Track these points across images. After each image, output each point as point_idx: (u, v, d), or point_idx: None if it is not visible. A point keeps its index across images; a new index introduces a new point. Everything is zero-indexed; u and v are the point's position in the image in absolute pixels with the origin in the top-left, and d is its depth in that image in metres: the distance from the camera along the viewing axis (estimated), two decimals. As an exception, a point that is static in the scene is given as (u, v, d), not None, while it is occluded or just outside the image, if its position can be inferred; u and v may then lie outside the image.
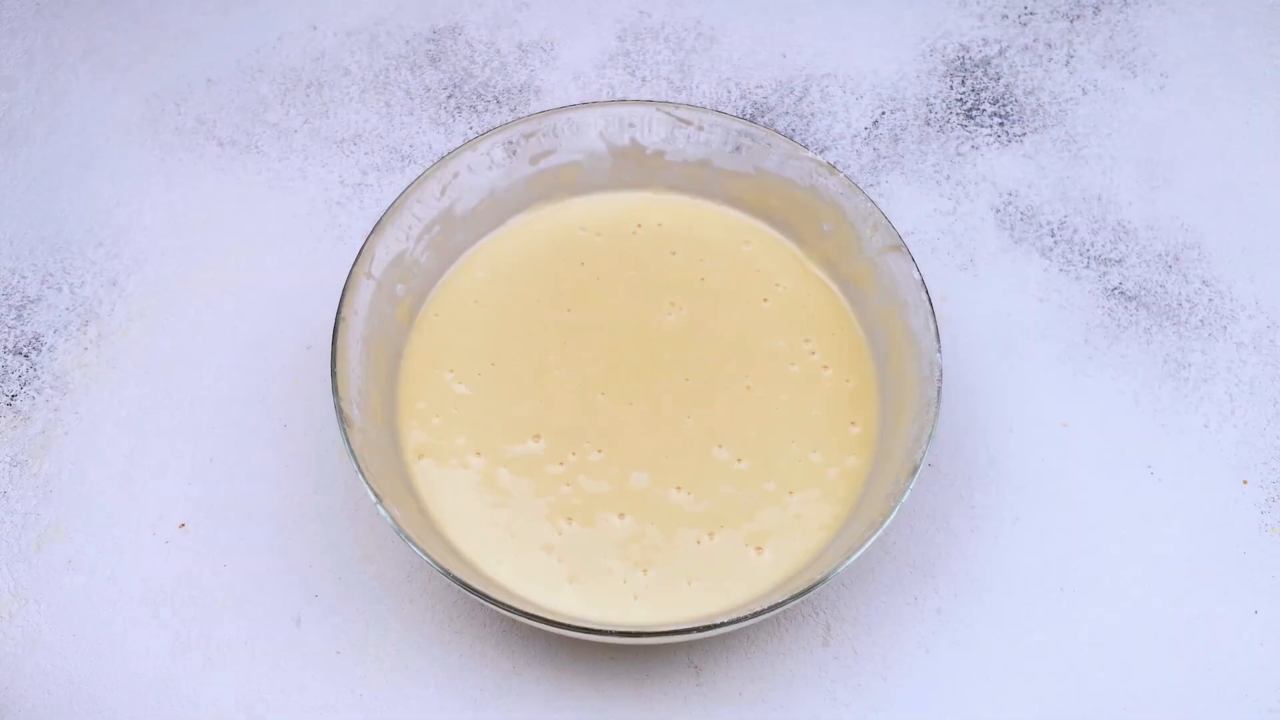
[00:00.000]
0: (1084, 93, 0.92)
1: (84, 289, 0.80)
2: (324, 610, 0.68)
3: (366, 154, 0.87)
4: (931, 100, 0.91)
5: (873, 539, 0.59)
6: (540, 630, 0.66)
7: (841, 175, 0.71)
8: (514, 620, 0.58)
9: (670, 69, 0.93)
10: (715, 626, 0.58)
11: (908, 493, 0.60)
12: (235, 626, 0.68)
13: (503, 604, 0.58)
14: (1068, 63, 0.94)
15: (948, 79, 0.93)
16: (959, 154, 0.88)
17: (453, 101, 0.90)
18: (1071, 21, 0.97)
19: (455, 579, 0.58)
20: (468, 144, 0.73)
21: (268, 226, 0.84)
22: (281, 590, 0.69)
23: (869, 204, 0.70)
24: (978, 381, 0.77)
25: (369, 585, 0.69)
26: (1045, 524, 0.72)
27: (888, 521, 0.59)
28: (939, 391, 0.63)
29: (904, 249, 0.68)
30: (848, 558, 0.59)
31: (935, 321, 0.65)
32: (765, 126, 0.73)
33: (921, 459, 0.60)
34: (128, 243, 0.83)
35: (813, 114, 0.90)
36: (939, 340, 0.64)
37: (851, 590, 0.70)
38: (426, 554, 0.59)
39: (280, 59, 0.93)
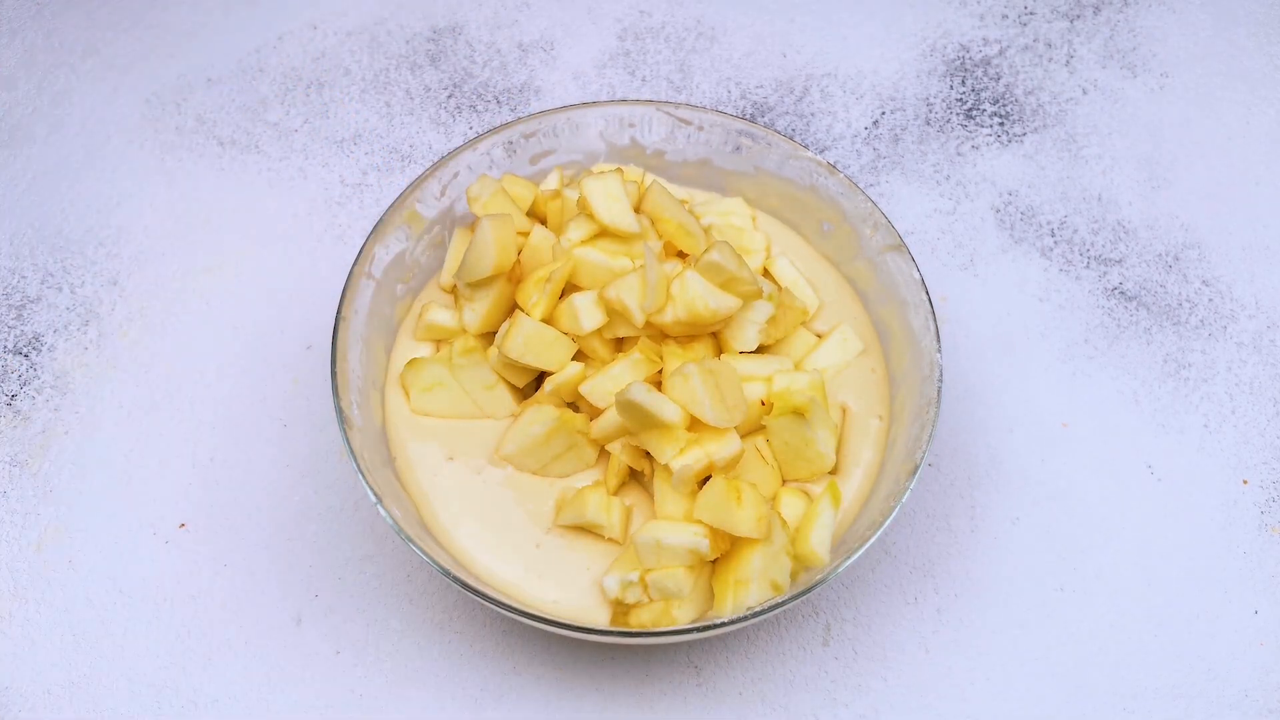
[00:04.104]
0: (1084, 93, 0.92)
1: (84, 288, 0.80)
2: (324, 610, 0.68)
3: (366, 154, 0.87)
4: (931, 100, 0.91)
5: (873, 539, 0.59)
6: (540, 630, 0.66)
7: (841, 175, 0.71)
8: (515, 621, 0.58)
9: (670, 69, 0.93)
10: (715, 626, 0.58)
11: (908, 492, 0.60)
12: (235, 626, 0.68)
13: (504, 605, 0.58)
14: (1068, 62, 0.94)
15: (948, 79, 0.93)
16: (959, 154, 0.88)
17: (453, 101, 0.90)
18: (1071, 21, 0.97)
19: (457, 580, 0.58)
20: (467, 144, 0.73)
21: (268, 226, 0.84)
22: (281, 590, 0.69)
23: (869, 204, 0.70)
24: (978, 381, 0.77)
25: (369, 585, 0.69)
26: (1045, 524, 0.72)
27: (887, 522, 0.59)
28: (939, 391, 0.63)
29: (904, 248, 0.68)
30: (847, 558, 0.59)
31: (935, 321, 0.65)
32: (765, 126, 0.73)
33: (922, 458, 0.60)
34: (128, 242, 0.83)
35: (813, 114, 0.90)
36: (939, 340, 0.64)
37: (851, 590, 0.70)
38: (427, 554, 0.59)
39: (281, 59, 0.93)
